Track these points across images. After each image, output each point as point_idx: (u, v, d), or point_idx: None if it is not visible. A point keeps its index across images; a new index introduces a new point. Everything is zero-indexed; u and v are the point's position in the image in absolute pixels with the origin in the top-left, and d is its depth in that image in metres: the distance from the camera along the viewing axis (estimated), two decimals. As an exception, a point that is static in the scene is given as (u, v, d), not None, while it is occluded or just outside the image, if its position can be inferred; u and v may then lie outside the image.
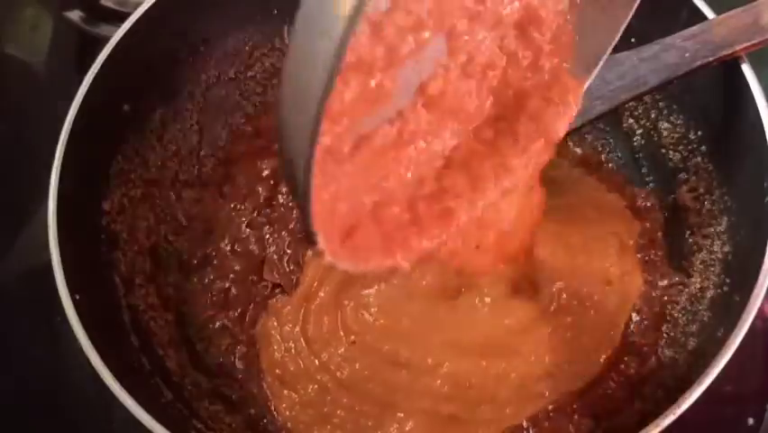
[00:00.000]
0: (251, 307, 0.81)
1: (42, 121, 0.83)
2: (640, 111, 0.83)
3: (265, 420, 0.75)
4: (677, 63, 0.67)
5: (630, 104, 0.81)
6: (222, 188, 0.87)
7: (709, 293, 0.71)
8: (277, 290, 0.82)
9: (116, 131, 0.76)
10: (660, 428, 0.58)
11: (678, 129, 0.80)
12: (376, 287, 0.78)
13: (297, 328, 0.79)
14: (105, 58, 0.72)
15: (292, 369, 0.77)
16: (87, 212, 0.73)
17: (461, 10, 0.50)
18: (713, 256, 0.73)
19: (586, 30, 0.59)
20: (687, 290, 0.75)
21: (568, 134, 0.71)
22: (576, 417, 0.72)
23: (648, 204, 0.82)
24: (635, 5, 0.59)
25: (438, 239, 0.54)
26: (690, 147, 0.78)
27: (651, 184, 0.84)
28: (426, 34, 0.46)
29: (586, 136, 0.88)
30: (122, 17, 0.75)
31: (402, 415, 0.73)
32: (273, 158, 0.88)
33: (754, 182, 0.66)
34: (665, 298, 0.76)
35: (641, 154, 0.84)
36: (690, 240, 0.77)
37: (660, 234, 0.81)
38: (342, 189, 0.48)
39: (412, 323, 0.76)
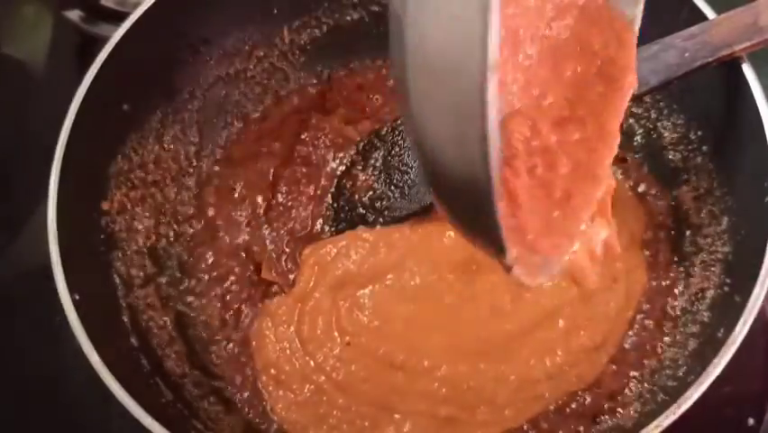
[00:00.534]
0: (250, 306, 0.81)
1: (42, 121, 0.83)
2: (640, 111, 0.83)
3: (263, 423, 0.75)
4: (677, 63, 0.67)
5: (630, 104, 0.81)
6: (222, 188, 0.87)
7: (709, 293, 0.71)
8: (274, 289, 0.82)
9: (116, 131, 0.76)
10: (660, 429, 0.58)
11: (678, 129, 0.80)
12: (370, 287, 0.78)
13: (292, 329, 0.78)
14: (105, 58, 0.72)
15: (287, 369, 0.76)
16: (87, 212, 0.73)
17: None
18: (713, 256, 0.73)
19: None
20: (687, 290, 0.75)
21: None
22: (576, 418, 0.72)
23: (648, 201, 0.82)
24: None
25: (587, 210, 0.53)
26: (690, 147, 0.78)
27: (651, 184, 0.84)
28: None
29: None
30: (122, 17, 0.75)
31: (399, 417, 0.73)
32: (273, 158, 0.88)
33: (754, 182, 0.66)
34: (665, 298, 0.76)
35: (641, 154, 0.84)
36: (691, 240, 0.77)
37: (660, 233, 0.81)
38: None
39: (407, 325, 0.76)
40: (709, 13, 0.70)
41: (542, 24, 0.52)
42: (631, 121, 0.85)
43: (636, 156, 0.84)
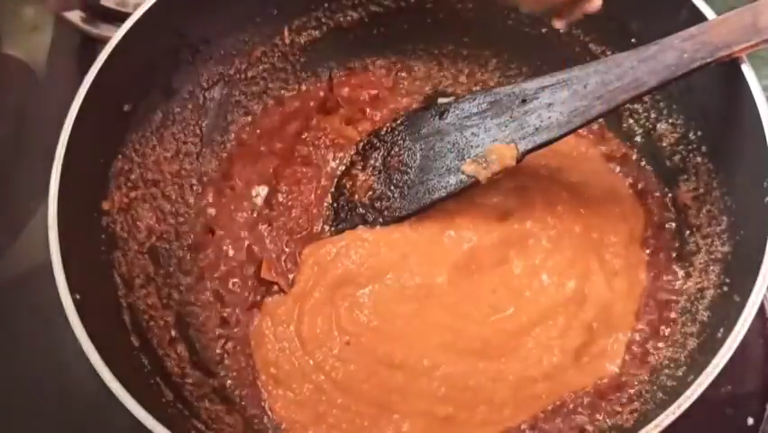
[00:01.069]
0: (249, 306, 0.81)
1: (42, 121, 0.83)
2: (640, 111, 0.84)
3: (262, 422, 0.75)
4: (676, 64, 0.67)
5: (630, 104, 0.81)
6: (222, 187, 0.87)
7: (709, 293, 0.71)
8: (274, 288, 0.82)
9: (116, 131, 0.76)
10: (660, 428, 0.58)
11: (678, 129, 0.80)
12: (370, 287, 0.78)
13: (292, 328, 0.78)
14: (105, 58, 0.72)
15: (287, 369, 0.76)
16: (87, 212, 0.73)
17: None
18: (713, 256, 0.73)
19: None
20: (687, 290, 0.75)
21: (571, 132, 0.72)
22: (575, 418, 0.72)
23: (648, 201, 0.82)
24: None
25: None
26: (689, 147, 0.78)
27: (651, 183, 0.84)
28: None
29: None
30: (122, 17, 0.75)
31: (398, 416, 0.73)
32: (273, 158, 0.88)
33: (754, 182, 0.66)
34: (665, 297, 0.76)
35: (641, 154, 0.84)
36: (690, 240, 0.77)
37: (660, 233, 0.81)
38: None
39: (407, 324, 0.76)
40: (709, 13, 0.70)
41: None
42: (631, 121, 0.85)
43: (636, 156, 0.85)
